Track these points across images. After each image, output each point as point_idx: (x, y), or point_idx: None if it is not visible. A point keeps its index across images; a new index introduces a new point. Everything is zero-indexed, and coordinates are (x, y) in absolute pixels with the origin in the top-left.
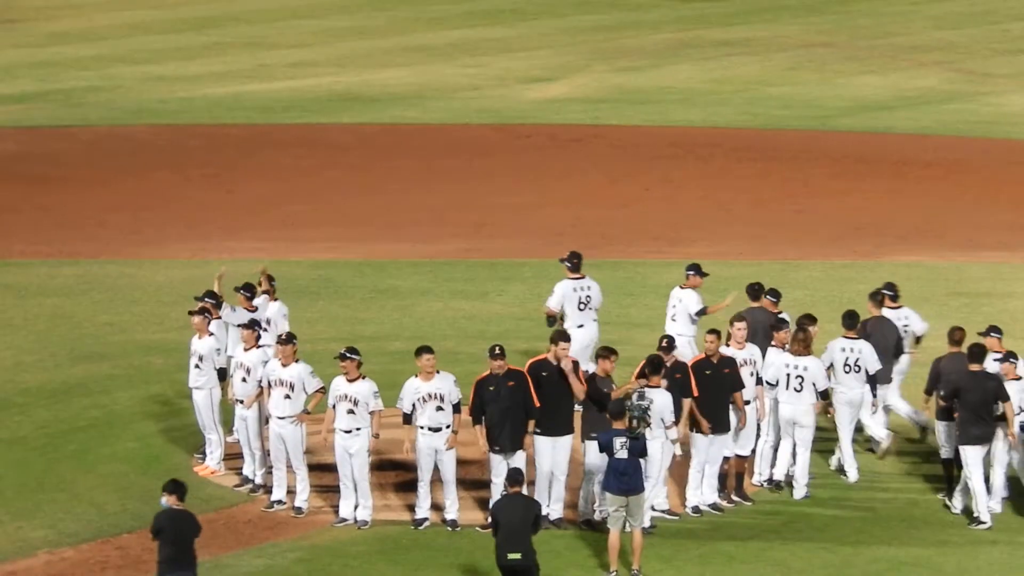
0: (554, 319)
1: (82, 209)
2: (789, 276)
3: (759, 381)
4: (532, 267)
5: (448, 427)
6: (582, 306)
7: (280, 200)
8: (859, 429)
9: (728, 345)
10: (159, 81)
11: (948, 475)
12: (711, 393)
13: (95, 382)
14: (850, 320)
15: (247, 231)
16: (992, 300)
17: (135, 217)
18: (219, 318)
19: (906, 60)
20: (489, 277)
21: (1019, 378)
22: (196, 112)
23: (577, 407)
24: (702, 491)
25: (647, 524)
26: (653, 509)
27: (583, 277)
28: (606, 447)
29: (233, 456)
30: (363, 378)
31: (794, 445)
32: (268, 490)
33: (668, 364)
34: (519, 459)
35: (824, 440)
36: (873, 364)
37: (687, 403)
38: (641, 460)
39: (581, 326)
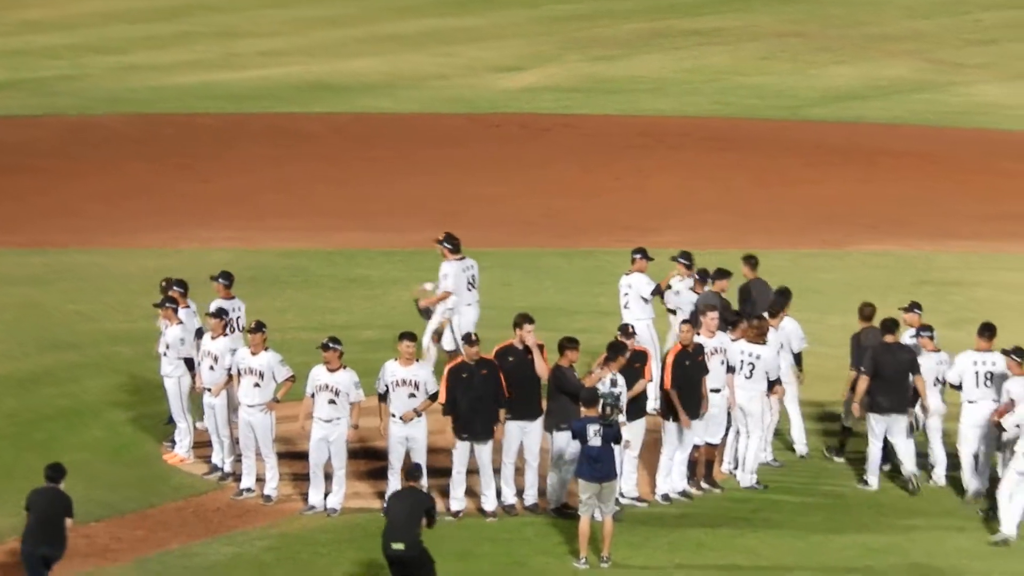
0: (427, 311)
1: (55, 198)
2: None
3: (729, 369)
4: (501, 256)
5: (418, 414)
6: (470, 286)
7: (251, 189)
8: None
9: (699, 333)
10: (130, 70)
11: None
12: (693, 383)
13: (63, 371)
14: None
15: (219, 220)
16: (961, 289)
17: (108, 206)
18: (187, 307)
19: (878, 50)
20: None
21: (937, 350)
22: (167, 101)
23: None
24: (672, 478)
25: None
26: (622, 496)
27: (464, 257)
28: (579, 434)
29: (202, 444)
30: (344, 368)
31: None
32: (237, 478)
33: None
34: (489, 447)
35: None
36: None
37: (641, 384)
38: (615, 447)
39: (469, 305)
